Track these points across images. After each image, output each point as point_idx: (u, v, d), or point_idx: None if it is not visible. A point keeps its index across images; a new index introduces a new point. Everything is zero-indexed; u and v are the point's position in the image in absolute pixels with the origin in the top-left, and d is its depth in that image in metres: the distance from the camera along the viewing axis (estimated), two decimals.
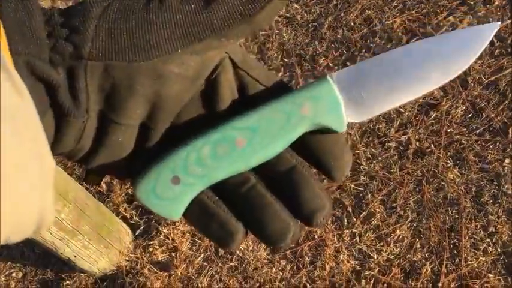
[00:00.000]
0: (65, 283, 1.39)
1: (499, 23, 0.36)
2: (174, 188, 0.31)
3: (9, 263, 1.44)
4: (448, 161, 1.38)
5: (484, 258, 1.28)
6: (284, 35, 1.63)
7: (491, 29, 0.34)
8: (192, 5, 0.30)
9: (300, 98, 0.33)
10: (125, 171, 0.33)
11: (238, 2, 0.30)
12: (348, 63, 1.54)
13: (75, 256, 1.25)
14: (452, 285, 1.27)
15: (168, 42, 0.30)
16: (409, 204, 1.36)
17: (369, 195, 1.38)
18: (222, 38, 0.31)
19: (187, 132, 0.32)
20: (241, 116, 0.32)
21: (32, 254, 1.44)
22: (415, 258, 1.31)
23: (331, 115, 0.33)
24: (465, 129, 1.41)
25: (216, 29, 0.30)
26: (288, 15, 1.66)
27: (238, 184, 0.32)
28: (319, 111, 0.33)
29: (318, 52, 1.57)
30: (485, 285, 1.25)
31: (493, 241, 1.30)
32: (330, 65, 1.55)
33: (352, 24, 1.60)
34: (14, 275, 1.43)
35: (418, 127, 1.42)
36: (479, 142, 1.40)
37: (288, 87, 0.34)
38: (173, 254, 1.40)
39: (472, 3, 1.57)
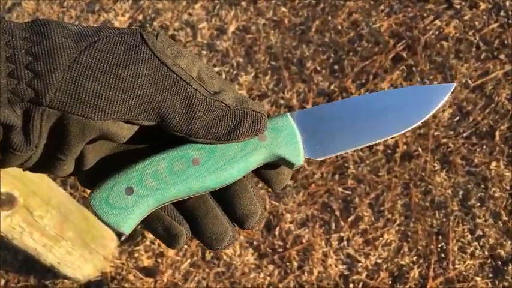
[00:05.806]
0: None
1: (454, 84, 0.39)
2: (126, 198, 0.32)
3: None
4: (436, 164, 1.38)
5: (471, 262, 1.28)
6: (271, 38, 1.62)
7: (447, 89, 0.37)
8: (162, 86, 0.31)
9: None
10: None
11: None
12: (336, 67, 1.54)
13: (58, 262, 1.22)
14: None
15: (130, 111, 0.31)
16: (397, 207, 1.35)
17: (357, 199, 1.37)
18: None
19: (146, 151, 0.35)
20: None
21: (15, 260, 1.41)
22: (402, 262, 1.30)
23: (289, 147, 0.35)
24: (452, 132, 1.41)
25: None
26: (275, 18, 1.65)
27: None
28: (276, 141, 0.35)
29: (305, 55, 1.57)
30: None
31: (481, 244, 1.30)
32: (318, 68, 1.54)
33: (339, 27, 1.60)
34: None
35: None
36: (466, 145, 1.40)
37: None
38: (159, 260, 1.38)
39: (458, 7, 1.58)
